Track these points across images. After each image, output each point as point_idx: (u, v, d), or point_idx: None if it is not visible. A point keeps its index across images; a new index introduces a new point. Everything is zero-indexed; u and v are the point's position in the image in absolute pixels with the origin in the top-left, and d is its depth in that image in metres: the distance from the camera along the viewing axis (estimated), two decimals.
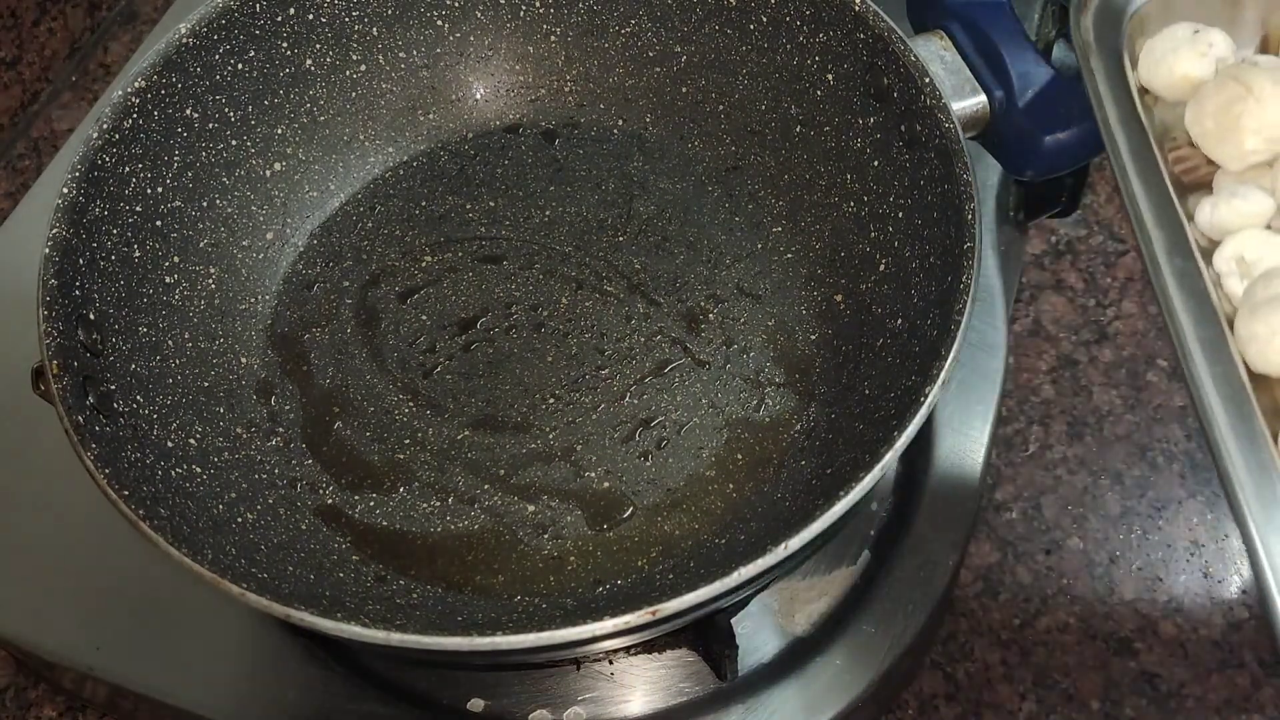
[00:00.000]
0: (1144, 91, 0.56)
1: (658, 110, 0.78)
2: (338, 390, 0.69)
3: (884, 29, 0.65)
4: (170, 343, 0.67)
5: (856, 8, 0.66)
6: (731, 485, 0.63)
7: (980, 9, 0.69)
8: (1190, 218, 0.52)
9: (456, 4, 0.77)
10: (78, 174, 0.63)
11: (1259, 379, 0.46)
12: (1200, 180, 0.54)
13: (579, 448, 0.66)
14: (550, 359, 0.69)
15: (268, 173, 0.74)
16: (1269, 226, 0.51)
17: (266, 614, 0.52)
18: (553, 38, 0.79)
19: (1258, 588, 0.41)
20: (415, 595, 0.61)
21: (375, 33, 0.76)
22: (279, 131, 0.75)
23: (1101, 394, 0.76)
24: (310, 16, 0.74)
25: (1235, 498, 0.42)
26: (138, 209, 0.67)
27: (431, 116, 0.79)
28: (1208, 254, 0.51)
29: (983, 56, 0.68)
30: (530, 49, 0.79)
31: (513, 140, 0.79)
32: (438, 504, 0.65)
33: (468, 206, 0.77)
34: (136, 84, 0.67)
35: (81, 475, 0.55)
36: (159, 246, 0.68)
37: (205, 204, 0.71)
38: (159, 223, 0.68)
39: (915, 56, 0.64)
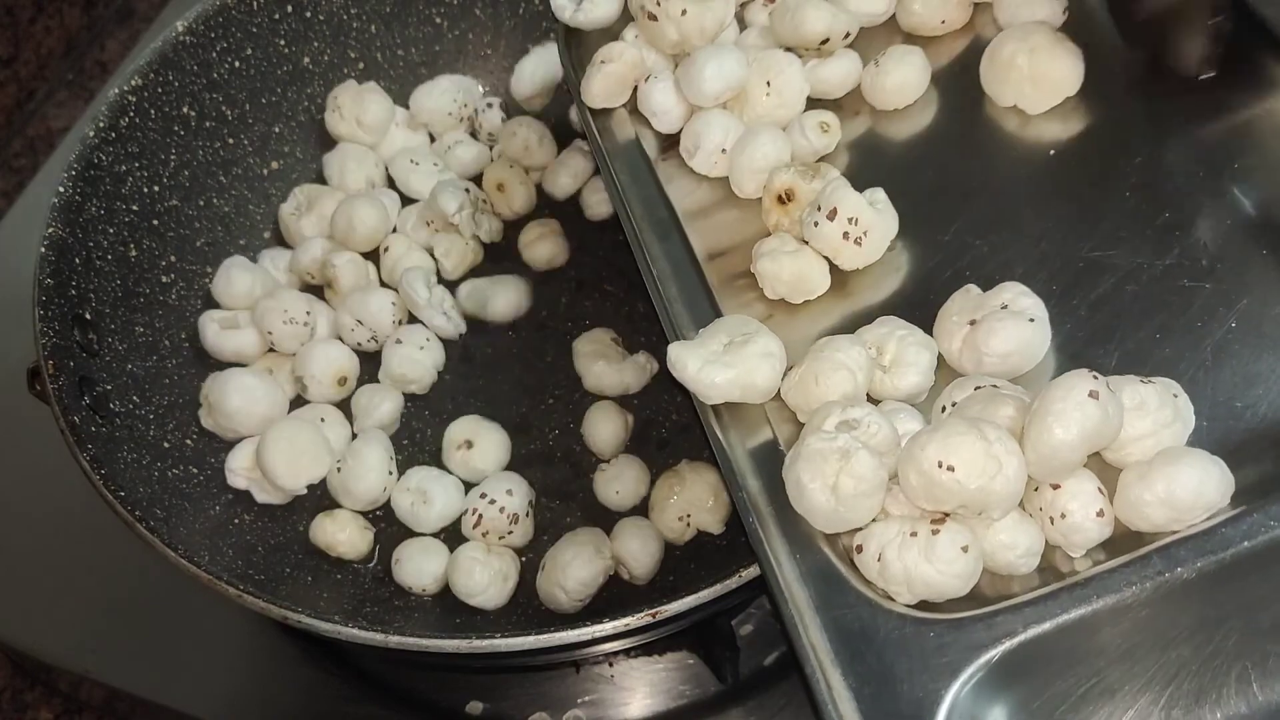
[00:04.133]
0: None
1: None
2: None
3: None
4: (167, 342, 0.66)
5: None
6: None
7: None
8: None
9: (455, 2, 0.77)
10: (74, 173, 0.63)
11: None
12: None
13: (578, 448, 0.65)
14: (550, 359, 0.69)
15: (265, 171, 0.74)
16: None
17: (264, 616, 0.52)
18: (552, 35, 0.78)
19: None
20: (413, 597, 0.60)
21: (373, 30, 0.76)
22: (276, 130, 0.74)
23: None
24: (308, 14, 0.73)
25: None
26: (134, 208, 0.67)
27: None
28: None
29: None
30: (529, 46, 0.78)
31: None
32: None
33: None
34: (133, 82, 0.67)
35: (78, 476, 0.55)
36: (155, 245, 0.67)
37: (202, 203, 0.71)
38: (155, 222, 0.68)
39: None
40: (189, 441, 0.63)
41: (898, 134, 0.55)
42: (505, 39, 0.78)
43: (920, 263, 0.50)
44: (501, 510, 0.60)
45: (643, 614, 0.49)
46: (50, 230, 0.61)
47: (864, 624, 0.40)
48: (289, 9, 0.73)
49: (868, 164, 0.54)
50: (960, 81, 0.55)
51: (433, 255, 0.70)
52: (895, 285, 0.50)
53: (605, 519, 0.62)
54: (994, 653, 0.38)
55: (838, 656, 0.39)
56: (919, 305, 0.48)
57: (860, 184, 0.50)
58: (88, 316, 0.62)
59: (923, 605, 0.40)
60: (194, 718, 0.63)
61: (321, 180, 0.75)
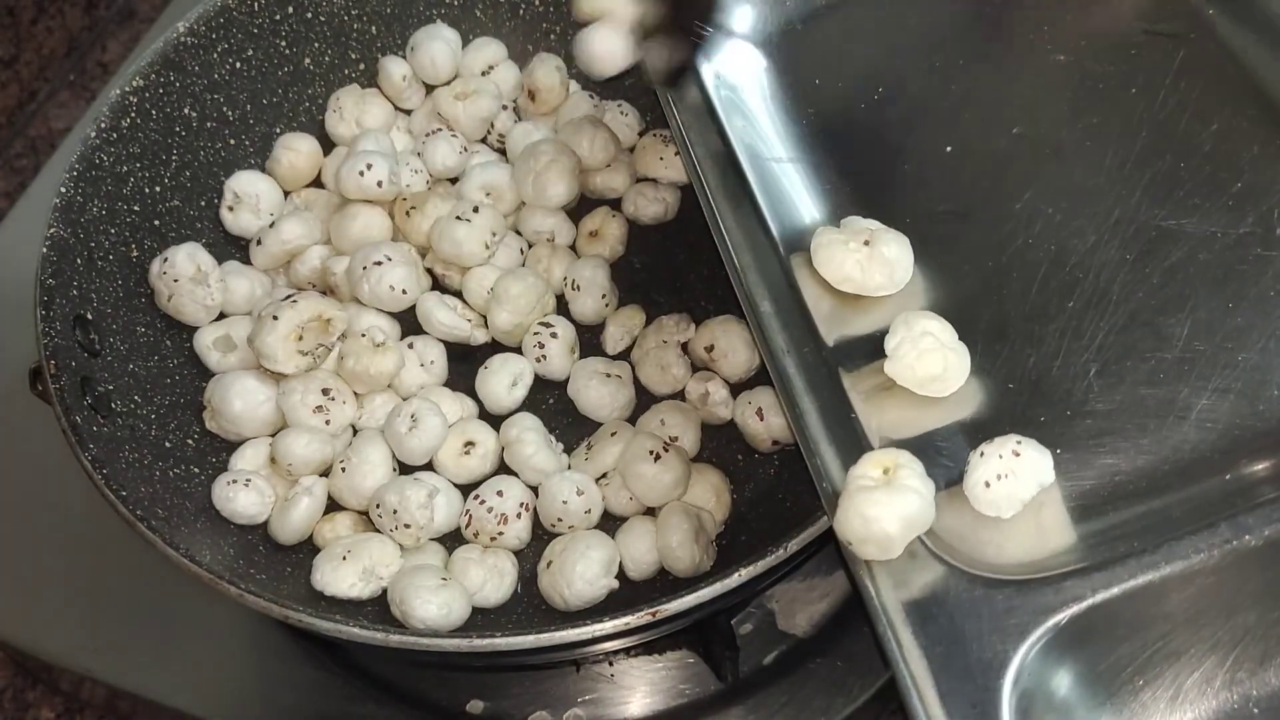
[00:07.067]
0: None
1: (656, 107, 0.78)
2: None
3: None
4: (168, 343, 0.66)
5: None
6: (733, 485, 0.63)
7: None
8: None
9: (455, 2, 0.77)
10: (75, 173, 0.63)
11: None
12: None
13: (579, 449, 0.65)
14: None
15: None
16: None
17: (265, 615, 0.52)
18: (552, 36, 0.78)
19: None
20: None
21: (374, 31, 0.76)
22: (277, 131, 0.74)
23: None
24: (309, 15, 0.74)
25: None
26: (135, 208, 0.67)
27: None
28: None
29: None
30: (530, 48, 0.78)
31: None
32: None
33: None
34: (134, 83, 0.67)
35: (79, 476, 0.55)
36: (157, 246, 0.68)
37: (203, 204, 0.71)
38: (157, 222, 0.68)
39: None
40: (190, 441, 0.63)
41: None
42: (506, 40, 0.78)
43: (992, 230, 0.50)
44: (490, 510, 0.60)
45: (643, 613, 0.50)
46: (52, 230, 0.61)
47: (935, 586, 0.40)
48: (290, 10, 0.73)
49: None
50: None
51: (431, 273, 0.70)
52: (970, 255, 0.50)
53: (607, 519, 0.62)
54: (1061, 616, 0.39)
55: (909, 617, 0.40)
56: (997, 272, 0.49)
57: (929, 152, 0.52)
58: (89, 317, 0.62)
59: (992, 569, 0.41)
60: (195, 717, 0.63)
61: (319, 184, 0.75)
